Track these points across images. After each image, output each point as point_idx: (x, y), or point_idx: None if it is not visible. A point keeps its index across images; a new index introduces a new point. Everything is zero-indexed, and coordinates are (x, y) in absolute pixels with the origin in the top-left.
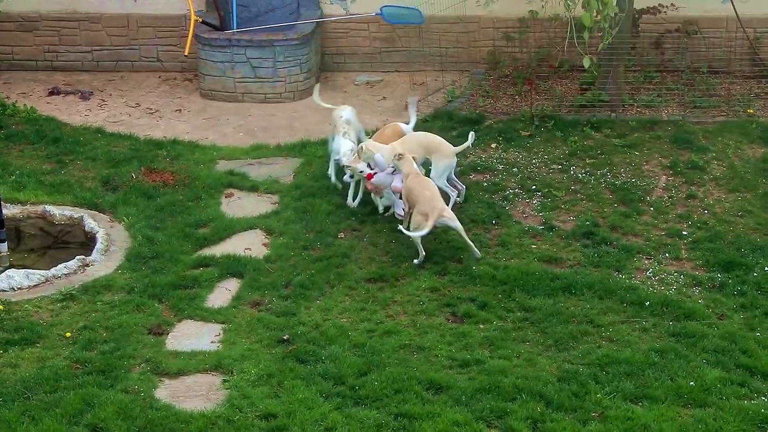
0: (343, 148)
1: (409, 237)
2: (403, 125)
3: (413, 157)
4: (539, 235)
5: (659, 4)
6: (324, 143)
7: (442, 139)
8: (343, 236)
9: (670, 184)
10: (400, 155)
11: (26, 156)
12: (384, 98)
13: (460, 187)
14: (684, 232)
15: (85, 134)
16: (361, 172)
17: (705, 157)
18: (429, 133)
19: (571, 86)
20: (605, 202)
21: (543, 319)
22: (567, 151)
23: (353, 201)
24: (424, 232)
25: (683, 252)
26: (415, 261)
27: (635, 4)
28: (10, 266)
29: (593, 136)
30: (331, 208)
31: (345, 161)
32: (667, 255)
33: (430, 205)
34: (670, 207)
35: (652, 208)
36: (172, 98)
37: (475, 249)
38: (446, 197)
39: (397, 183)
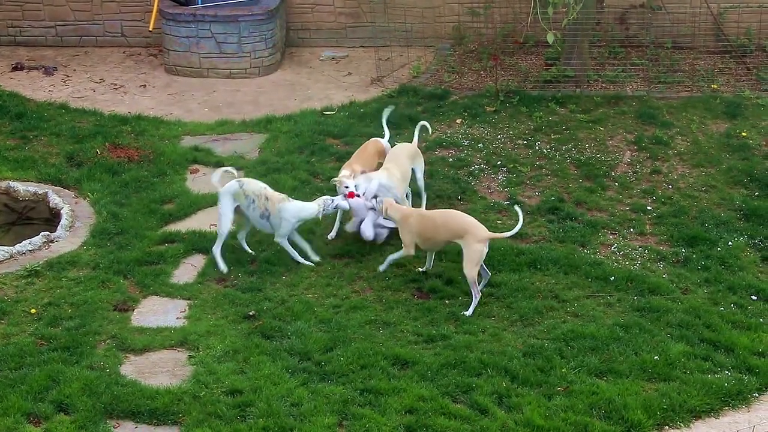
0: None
1: (472, 279)
2: (382, 141)
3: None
4: (504, 210)
5: None
6: (288, 119)
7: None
8: None
9: (634, 159)
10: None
11: None
12: (349, 73)
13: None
14: (648, 207)
15: (49, 110)
16: (346, 187)
17: (669, 133)
18: (408, 144)
19: (536, 62)
20: (570, 178)
21: (508, 295)
22: (532, 127)
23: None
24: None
25: (648, 227)
26: (473, 307)
27: None
28: None
29: (558, 111)
30: (296, 183)
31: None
32: (631, 230)
33: (482, 228)
34: (635, 182)
35: (616, 184)
36: (136, 74)
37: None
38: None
39: (366, 229)
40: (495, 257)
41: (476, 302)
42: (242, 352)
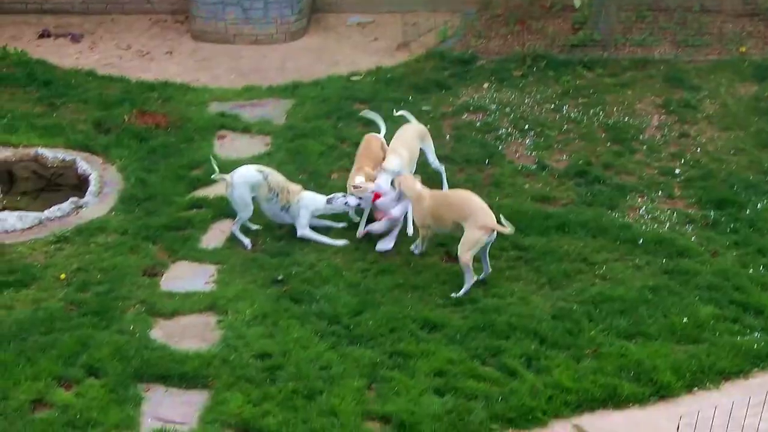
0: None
1: (465, 263)
2: (380, 136)
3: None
4: (532, 174)
5: None
6: (315, 84)
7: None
8: (336, 177)
9: (662, 122)
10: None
11: (17, 99)
12: (376, 39)
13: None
14: (677, 171)
15: (76, 77)
16: (371, 192)
17: (697, 96)
18: (415, 124)
19: (563, 26)
20: (598, 141)
21: (537, 258)
22: (559, 91)
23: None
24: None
25: (676, 190)
26: (465, 290)
27: None
28: (4, 209)
29: (585, 75)
30: (323, 149)
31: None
32: (660, 193)
33: (488, 215)
34: (663, 146)
35: (644, 147)
36: (163, 40)
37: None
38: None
39: (396, 211)
40: (523, 221)
41: (468, 287)
42: (271, 316)
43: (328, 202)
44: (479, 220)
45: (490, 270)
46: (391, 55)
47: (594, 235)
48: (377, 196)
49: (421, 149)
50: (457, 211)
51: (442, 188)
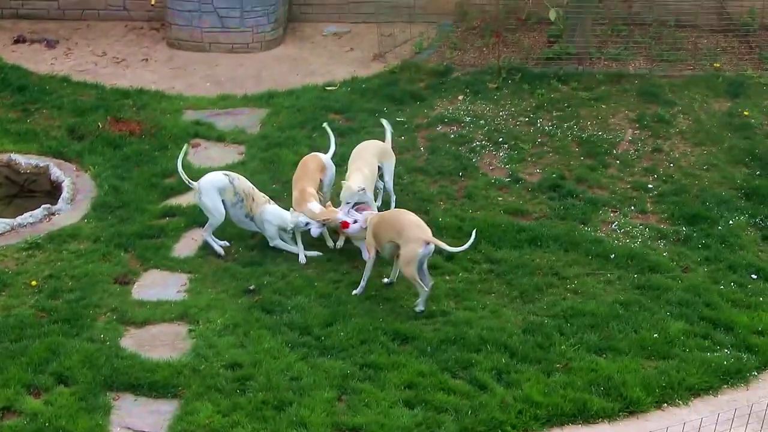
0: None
1: (411, 277)
2: (322, 155)
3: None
4: (506, 187)
5: None
6: (290, 94)
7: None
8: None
9: (636, 137)
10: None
11: None
12: (351, 49)
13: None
14: (650, 186)
15: (51, 83)
16: (323, 223)
17: (671, 111)
18: (375, 141)
19: (538, 39)
20: (572, 155)
21: (509, 271)
22: (534, 104)
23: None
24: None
25: (649, 205)
26: (420, 306)
27: None
28: None
29: (560, 88)
30: (297, 158)
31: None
32: (632, 208)
33: (421, 229)
34: (636, 160)
35: (618, 161)
36: (138, 47)
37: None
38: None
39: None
40: (495, 234)
41: (425, 296)
42: (242, 326)
43: (293, 225)
44: (412, 236)
45: (432, 283)
46: (367, 66)
47: (566, 249)
48: (345, 225)
49: (379, 167)
50: (391, 229)
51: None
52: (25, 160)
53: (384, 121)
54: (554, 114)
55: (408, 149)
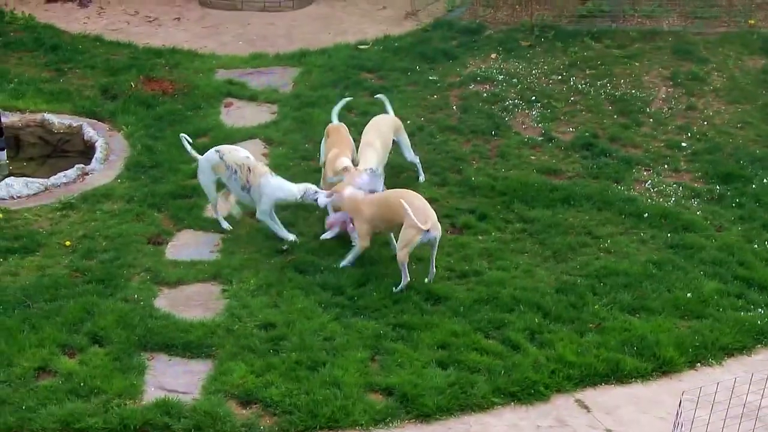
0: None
1: (401, 261)
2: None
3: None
4: (539, 146)
5: None
6: (323, 52)
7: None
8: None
9: (669, 95)
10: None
11: (25, 64)
12: (384, 7)
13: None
14: (683, 144)
15: (83, 42)
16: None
17: (705, 69)
18: (388, 115)
19: None
20: (605, 114)
21: (542, 231)
22: (567, 62)
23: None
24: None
25: (682, 163)
26: (401, 287)
27: None
28: (10, 175)
29: (593, 46)
30: (329, 118)
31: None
32: (666, 166)
33: (424, 215)
34: (670, 118)
35: (651, 120)
36: (171, 6)
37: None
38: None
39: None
40: (528, 193)
41: (404, 284)
42: (275, 286)
43: (301, 195)
44: (412, 220)
45: (435, 272)
46: (399, 24)
47: (599, 208)
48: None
49: (395, 141)
50: (396, 211)
51: (418, 179)
52: (58, 120)
53: (381, 96)
54: (587, 72)
55: (440, 108)
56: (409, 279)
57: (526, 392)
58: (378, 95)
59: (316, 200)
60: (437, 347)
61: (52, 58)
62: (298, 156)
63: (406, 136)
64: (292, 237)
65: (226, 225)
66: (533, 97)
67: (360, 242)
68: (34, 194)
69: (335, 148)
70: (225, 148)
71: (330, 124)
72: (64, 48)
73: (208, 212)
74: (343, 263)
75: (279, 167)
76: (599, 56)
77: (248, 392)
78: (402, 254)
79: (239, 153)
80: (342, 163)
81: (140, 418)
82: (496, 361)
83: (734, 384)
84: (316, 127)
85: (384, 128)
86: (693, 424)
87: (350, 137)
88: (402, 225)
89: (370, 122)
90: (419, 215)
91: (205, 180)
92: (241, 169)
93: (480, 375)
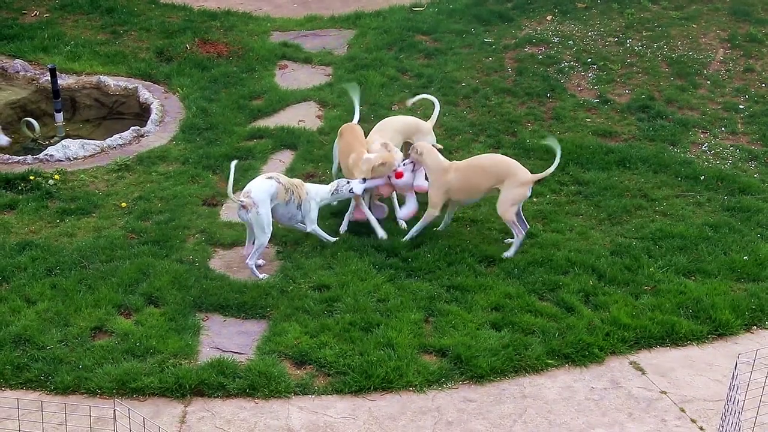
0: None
1: (511, 220)
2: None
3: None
4: (594, 108)
5: None
6: (377, 15)
7: (414, 118)
8: (396, 108)
9: (727, 57)
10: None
11: (80, 26)
12: None
13: None
14: (741, 106)
15: (138, 5)
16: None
17: (764, 30)
18: (401, 116)
19: None
20: (661, 76)
21: (597, 193)
22: (623, 24)
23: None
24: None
25: (739, 126)
26: (510, 252)
27: None
28: (66, 136)
29: (650, 8)
30: (384, 80)
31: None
32: (723, 129)
33: (526, 171)
34: (727, 80)
35: (708, 82)
36: None
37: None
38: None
39: (420, 181)
40: (584, 155)
41: (519, 243)
42: (330, 248)
43: (334, 192)
44: (520, 178)
45: (528, 226)
46: None
47: (655, 170)
48: (399, 174)
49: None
50: (493, 175)
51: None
52: (114, 82)
53: (432, 98)
54: (644, 34)
55: (495, 70)
56: (524, 234)
57: (581, 354)
58: (429, 97)
59: (351, 190)
60: (491, 309)
61: (108, 20)
62: (351, 119)
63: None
64: (333, 239)
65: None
66: (589, 59)
67: (431, 210)
68: (90, 156)
69: (353, 152)
70: (272, 174)
71: (344, 125)
72: (120, 10)
73: (249, 262)
74: (409, 235)
75: (334, 129)
76: (656, 18)
77: (302, 353)
78: (511, 214)
79: (282, 176)
80: (373, 161)
81: (195, 378)
82: (551, 323)
83: None
84: (370, 89)
85: (390, 129)
86: (748, 387)
87: (364, 138)
88: (487, 190)
89: (380, 122)
90: (524, 173)
91: (267, 217)
92: (295, 189)
93: (534, 337)
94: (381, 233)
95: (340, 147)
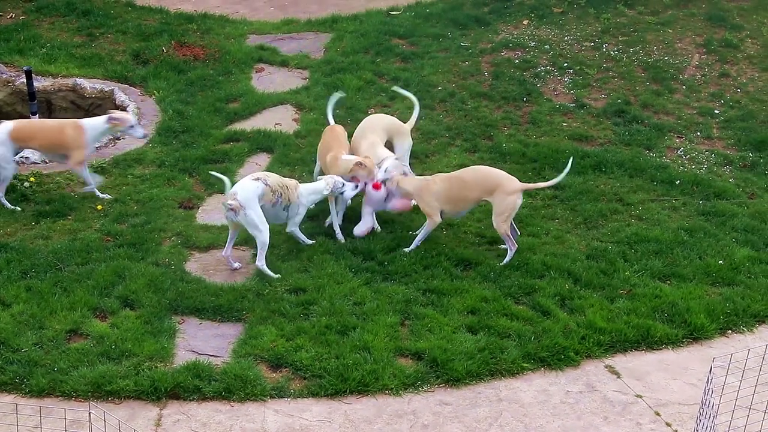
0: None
1: (505, 233)
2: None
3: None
4: (570, 112)
5: None
6: (354, 18)
7: (395, 119)
8: (373, 112)
9: (703, 62)
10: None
11: (57, 28)
12: None
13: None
14: (716, 111)
15: (115, 7)
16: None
17: (739, 35)
18: (384, 115)
19: None
20: (637, 80)
21: (573, 197)
22: (600, 28)
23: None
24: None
25: (715, 131)
26: (505, 260)
27: None
28: None
29: (626, 13)
30: (361, 84)
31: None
32: (698, 133)
33: (513, 179)
34: (703, 85)
35: (684, 87)
36: None
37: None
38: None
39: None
40: (560, 159)
41: (512, 254)
42: (306, 251)
43: (328, 187)
44: (509, 187)
45: (519, 232)
46: None
47: (631, 175)
48: (376, 186)
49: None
50: (480, 187)
51: None
52: (90, 84)
53: (414, 99)
54: (620, 39)
55: (472, 74)
56: (516, 246)
57: (556, 358)
58: (409, 95)
59: (342, 192)
60: (467, 312)
61: (84, 23)
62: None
63: (406, 143)
64: (311, 242)
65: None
66: (565, 64)
67: (431, 220)
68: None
69: (331, 150)
70: (260, 174)
71: (327, 126)
72: (96, 13)
73: (259, 263)
74: (414, 244)
75: (310, 133)
76: (632, 22)
77: (278, 356)
78: (505, 226)
79: (274, 175)
80: (350, 160)
81: (171, 381)
82: (526, 326)
83: (765, 351)
84: (347, 92)
85: (378, 128)
86: (723, 391)
87: (346, 140)
88: (475, 202)
89: (363, 122)
90: (511, 182)
91: (259, 214)
92: (284, 190)
93: (510, 340)
94: (340, 236)
95: (319, 147)
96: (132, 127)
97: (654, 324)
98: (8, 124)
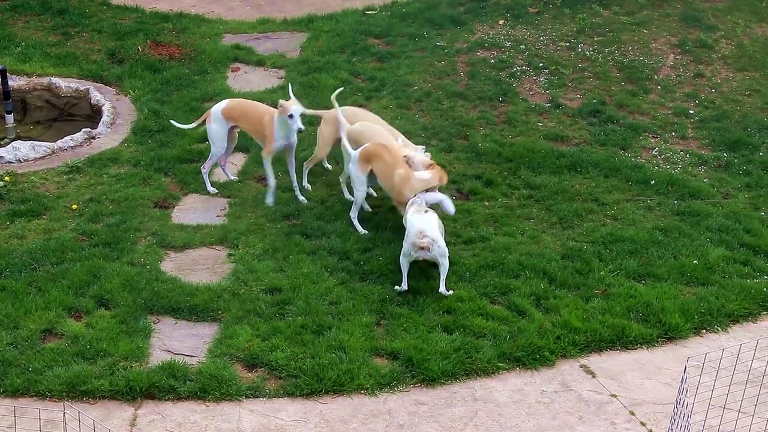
0: None
1: None
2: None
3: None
4: (546, 112)
5: None
6: (330, 18)
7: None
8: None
9: (677, 62)
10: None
11: (32, 27)
12: None
13: None
14: (691, 111)
15: (90, 6)
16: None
17: (714, 36)
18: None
19: None
20: (612, 80)
21: (548, 197)
22: (575, 29)
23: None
24: None
25: (690, 131)
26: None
27: None
28: (17, 138)
29: (602, 13)
30: (336, 83)
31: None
32: (673, 134)
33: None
34: (678, 86)
35: (659, 87)
36: None
37: None
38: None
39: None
40: (535, 159)
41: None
42: (281, 251)
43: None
44: None
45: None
46: None
47: (606, 175)
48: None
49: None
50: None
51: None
52: (65, 84)
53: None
54: (595, 39)
55: (447, 74)
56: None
57: (531, 357)
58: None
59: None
60: (442, 312)
61: (59, 21)
62: (305, 121)
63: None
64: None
65: (210, 189)
66: (540, 64)
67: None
68: (40, 158)
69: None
70: (421, 204)
71: (374, 144)
72: (71, 12)
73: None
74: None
75: None
76: (607, 23)
77: (254, 356)
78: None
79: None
80: (424, 178)
81: (146, 381)
82: (502, 326)
83: (739, 350)
84: (323, 92)
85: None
86: (697, 390)
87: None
88: None
89: (366, 127)
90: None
91: (443, 240)
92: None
93: (485, 340)
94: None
95: (379, 168)
96: (292, 117)
97: (629, 324)
98: (223, 103)
